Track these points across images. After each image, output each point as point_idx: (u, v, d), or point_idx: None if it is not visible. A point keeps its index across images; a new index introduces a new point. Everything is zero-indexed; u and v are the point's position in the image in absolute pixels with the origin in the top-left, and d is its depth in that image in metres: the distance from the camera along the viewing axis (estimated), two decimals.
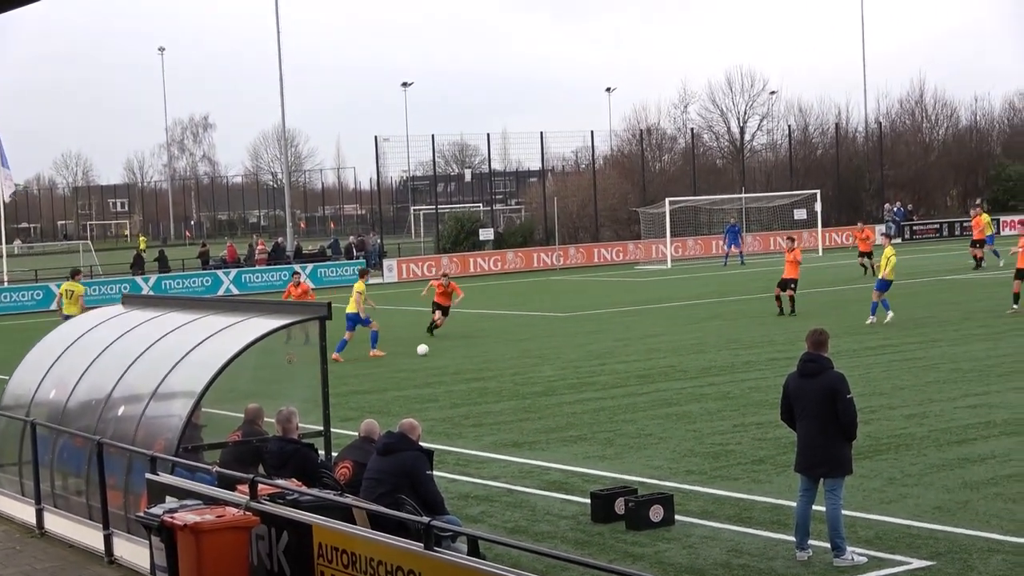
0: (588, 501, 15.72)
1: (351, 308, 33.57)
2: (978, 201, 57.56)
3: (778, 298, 38.45)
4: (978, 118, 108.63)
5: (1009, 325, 32.41)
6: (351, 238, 77.97)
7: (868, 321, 33.95)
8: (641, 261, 69.86)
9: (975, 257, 52.01)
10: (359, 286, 34.11)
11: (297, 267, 59.24)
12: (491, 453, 20.00)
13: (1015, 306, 34.57)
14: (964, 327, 32.55)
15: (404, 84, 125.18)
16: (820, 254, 68.45)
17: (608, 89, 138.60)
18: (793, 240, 40.82)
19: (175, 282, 61.27)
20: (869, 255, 50.91)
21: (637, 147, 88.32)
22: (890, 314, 33.92)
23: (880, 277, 34.89)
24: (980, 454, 17.95)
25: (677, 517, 15.09)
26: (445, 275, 38.84)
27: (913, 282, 46.61)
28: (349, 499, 12.79)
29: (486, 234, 73.61)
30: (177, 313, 17.17)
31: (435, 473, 14.21)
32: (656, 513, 14.92)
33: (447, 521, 12.98)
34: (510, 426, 22.20)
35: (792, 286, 38.27)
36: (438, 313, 37.16)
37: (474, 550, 12.44)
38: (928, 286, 45.38)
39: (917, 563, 13.15)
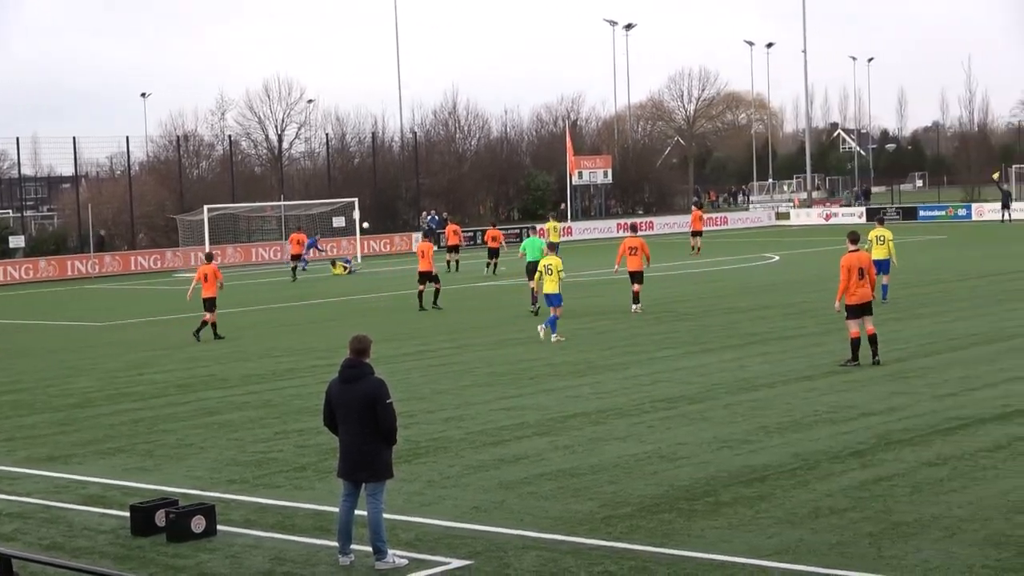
0: (128, 514, 15.38)
1: None
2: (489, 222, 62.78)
3: (420, 294, 40.25)
4: (508, 129, 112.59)
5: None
6: None
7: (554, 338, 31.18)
8: (180, 268, 68.82)
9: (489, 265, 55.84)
10: None
11: None
12: (24, 468, 19.27)
13: (635, 306, 36.28)
14: (497, 332, 33.61)
15: None
16: (359, 261, 69.26)
17: (143, 94, 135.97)
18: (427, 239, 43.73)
19: None
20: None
21: (174, 153, 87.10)
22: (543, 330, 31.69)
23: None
24: (515, 454, 18.57)
25: (219, 527, 14.94)
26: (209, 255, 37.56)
27: (453, 287, 47.85)
28: None
29: (16, 242, 70.92)
30: None
31: None
32: (198, 524, 14.74)
33: None
34: (44, 440, 21.46)
35: (435, 279, 40.25)
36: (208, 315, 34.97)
37: (7, 570, 11.98)
38: (461, 292, 46.61)
39: (456, 563, 13.47)
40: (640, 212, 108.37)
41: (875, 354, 25.21)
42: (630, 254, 36.65)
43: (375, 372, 13.65)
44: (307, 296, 48.59)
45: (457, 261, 58.13)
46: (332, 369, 15.32)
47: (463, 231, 65.02)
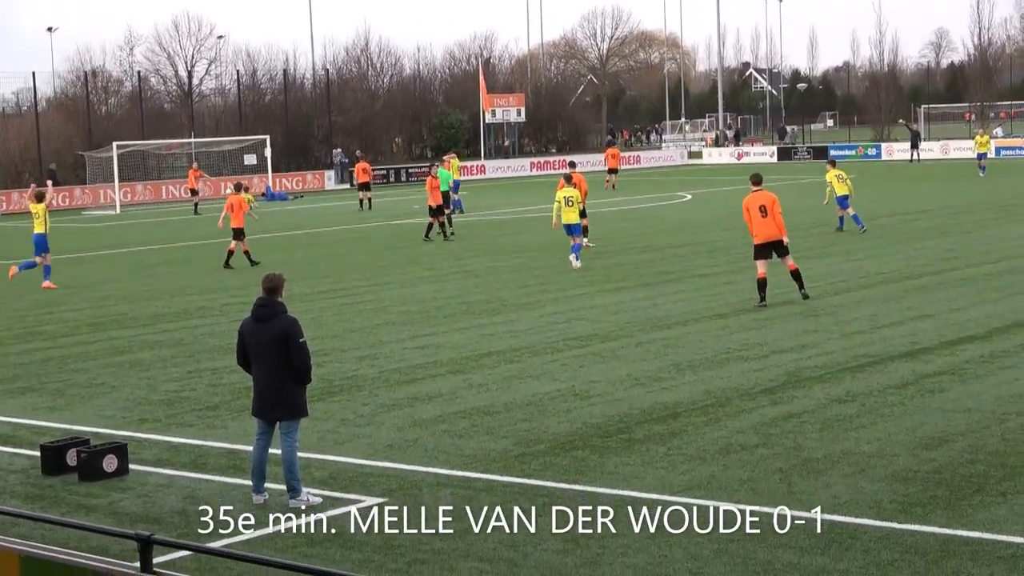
0: (38, 454, 15.25)
1: (39, 228, 32.83)
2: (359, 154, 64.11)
3: (430, 225, 41.31)
4: (421, 67, 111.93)
5: (452, 268, 33.69)
6: None
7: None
8: (89, 207, 68.06)
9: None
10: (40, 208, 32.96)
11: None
12: None
13: (588, 243, 36.44)
14: (411, 270, 33.57)
15: None
16: (297, 198, 68.86)
17: (50, 29, 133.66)
18: (435, 167, 44.38)
19: None
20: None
21: (82, 90, 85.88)
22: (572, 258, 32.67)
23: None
24: (428, 393, 18.58)
25: (132, 466, 14.87)
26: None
27: (366, 226, 47.66)
28: None
29: None
30: None
31: None
32: (110, 463, 14.65)
33: None
34: None
35: (436, 213, 41.20)
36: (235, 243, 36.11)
37: None
38: (376, 231, 46.47)
39: (370, 500, 13.48)
40: (553, 151, 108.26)
41: (801, 286, 25.58)
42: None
43: (288, 311, 13.60)
44: (221, 234, 48.22)
45: (370, 199, 57.98)
46: (245, 308, 15.25)
47: (376, 168, 64.77)
